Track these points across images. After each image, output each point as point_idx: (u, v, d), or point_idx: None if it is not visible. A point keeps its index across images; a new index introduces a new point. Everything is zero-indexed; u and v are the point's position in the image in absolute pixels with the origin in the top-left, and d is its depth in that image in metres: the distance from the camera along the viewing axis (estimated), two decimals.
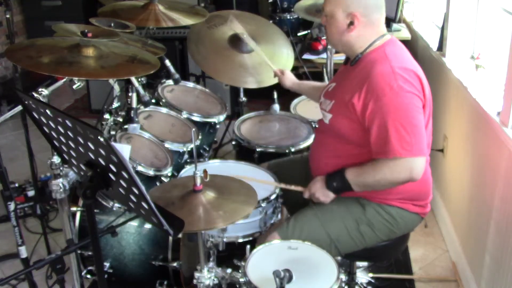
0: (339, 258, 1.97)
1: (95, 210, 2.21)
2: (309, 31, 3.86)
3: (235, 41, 2.75)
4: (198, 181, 1.65)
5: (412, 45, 3.64)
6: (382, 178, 1.79)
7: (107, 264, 2.23)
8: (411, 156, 1.74)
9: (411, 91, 1.74)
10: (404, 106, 1.73)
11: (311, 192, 1.94)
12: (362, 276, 2.56)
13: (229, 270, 1.82)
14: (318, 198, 1.93)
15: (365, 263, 2.61)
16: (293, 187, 2.02)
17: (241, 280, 1.65)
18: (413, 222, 1.99)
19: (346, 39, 1.84)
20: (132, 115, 2.18)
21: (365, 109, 1.76)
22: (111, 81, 2.33)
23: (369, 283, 2.54)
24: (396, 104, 1.72)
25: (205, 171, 1.66)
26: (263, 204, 1.97)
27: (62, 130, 1.37)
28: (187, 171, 2.21)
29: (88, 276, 2.30)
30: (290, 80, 2.43)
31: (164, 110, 2.66)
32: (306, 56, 3.68)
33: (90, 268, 2.29)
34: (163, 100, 2.69)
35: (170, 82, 2.70)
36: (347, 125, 1.84)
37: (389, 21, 3.57)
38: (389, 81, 1.73)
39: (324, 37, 3.49)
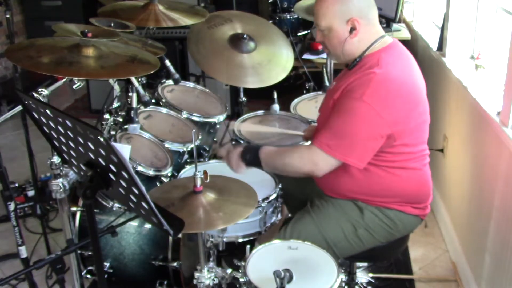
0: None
1: (95, 210, 2.21)
2: (309, 31, 3.87)
3: (235, 41, 2.75)
4: (198, 182, 1.65)
5: (412, 45, 3.64)
6: (289, 163, 1.82)
7: (107, 264, 2.23)
8: (327, 153, 1.75)
9: (371, 104, 1.70)
10: (353, 112, 1.73)
11: (225, 153, 1.96)
12: (362, 276, 2.56)
13: (229, 270, 1.82)
14: (230, 163, 1.94)
15: (365, 263, 2.61)
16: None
17: (241, 280, 1.65)
18: (413, 224, 1.98)
19: (349, 47, 1.82)
20: (132, 115, 2.17)
21: (336, 100, 1.79)
22: (111, 81, 2.33)
23: (369, 283, 2.54)
24: (352, 108, 1.73)
25: (205, 172, 1.66)
26: (263, 204, 1.97)
27: (62, 130, 1.37)
28: (187, 171, 2.21)
29: (88, 276, 2.30)
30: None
31: (164, 110, 2.66)
32: (306, 56, 3.67)
33: (90, 268, 2.29)
34: (163, 100, 2.69)
35: (170, 82, 2.70)
36: None
37: (389, 21, 3.57)
38: (360, 87, 1.72)
39: None
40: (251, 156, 1.90)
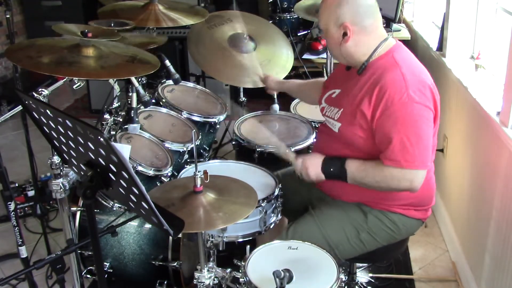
0: None
1: (95, 210, 2.21)
2: (309, 31, 3.87)
3: (235, 41, 2.75)
4: (198, 182, 1.65)
5: (412, 45, 3.64)
6: (382, 181, 1.78)
7: (107, 264, 2.23)
8: (413, 168, 1.73)
9: (421, 102, 1.71)
10: (412, 117, 1.71)
11: (304, 164, 1.91)
12: (362, 276, 2.56)
13: (229, 270, 1.82)
14: (308, 174, 1.90)
15: (365, 263, 2.61)
16: (288, 156, 2.01)
17: (241, 280, 1.65)
18: (414, 227, 1.99)
19: (344, 50, 1.83)
20: (132, 115, 2.17)
21: (374, 115, 1.75)
22: (111, 81, 2.33)
23: (369, 283, 2.54)
24: (404, 114, 1.71)
25: (205, 172, 1.66)
26: (263, 204, 1.96)
27: (62, 130, 1.37)
28: (187, 171, 2.21)
29: (88, 276, 2.30)
30: (274, 82, 2.48)
31: (164, 110, 2.66)
32: (306, 56, 3.68)
33: (90, 268, 2.29)
34: (163, 100, 2.69)
35: (170, 82, 2.70)
36: (358, 134, 1.81)
37: (389, 21, 3.57)
38: (400, 90, 1.71)
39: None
40: (336, 169, 1.85)
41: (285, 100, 2.94)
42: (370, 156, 1.83)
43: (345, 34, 1.79)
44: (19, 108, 1.85)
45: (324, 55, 3.45)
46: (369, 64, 1.83)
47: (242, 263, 1.68)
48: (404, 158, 1.72)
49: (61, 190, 1.91)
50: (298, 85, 2.39)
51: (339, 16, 1.78)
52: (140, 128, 2.31)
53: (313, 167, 1.90)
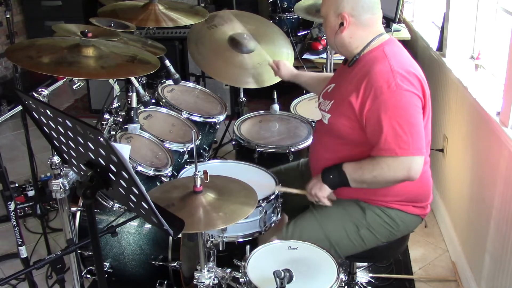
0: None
1: (95, 210, 2.21)
2: (309, 31, 3.87)
3: (235, 41, 2.75)
4: (198, 182, 1.65)
5: (412, 45, 3.64)
6: (380, 175, 1.78)
7: (107, 264, 2.23)
8: (409, 155, 1.73)
9: (410, 90, 1.73)
10: (402, 105, 1.72)
11: (311, 190, 1.93)
12: (362, 276, 2.56)
13: (229, 270, 1.82)
14: (315, 194, 1.91)
15: (365, 263, 2.61)
16: (294, 191, 2.01)
17: (241, 280, 1.65)
18: (413, 224, 1.99)
19: (339, 40, 1.86)
20: (132, 115, 2.17)
21: (363, 108, 1.76)
22: (111, 81, 2.33)
23: (369, 283, 2.54)
24: (394, 102, 1.72)
25: (205, 172, 1.66)
26: (263, 204, 1.97)
27: (62, 130, 1.37)
28: (187, 171, 2.21)
29: (88, 276, 2.30)
30: (287, 72, 2.44)
31: (164, 110, 2.66)
32: (306, 56, 3.68)
33: (90, 268, 2.29)
34: (163, 100, 2.69)
35: (170, 82, 2.70)
36: (346, 124, 1.83)
37: (389, 21, 3.57)
38: (388, 79, 1.72)
39: (324, 37, 3.51)
40: (335, 175, 1.86)
41: (285, 100, 2.94)
42: (360, 146, 1.84)
43: (341, 24, 1.82)
44: (19, 108, 1.85)
45: (324, 55, 3.45)
46: (361, 58, 1.85)
47: (242, 263, 1.68)
48: (398, 146, 1.72)
49: (61, 190, 1.91)
50: (311, 79, 2.38)
51: (340, 5, 1.81)
52: (140, 128, 2.31)
53: (317, 187, 1.91)
